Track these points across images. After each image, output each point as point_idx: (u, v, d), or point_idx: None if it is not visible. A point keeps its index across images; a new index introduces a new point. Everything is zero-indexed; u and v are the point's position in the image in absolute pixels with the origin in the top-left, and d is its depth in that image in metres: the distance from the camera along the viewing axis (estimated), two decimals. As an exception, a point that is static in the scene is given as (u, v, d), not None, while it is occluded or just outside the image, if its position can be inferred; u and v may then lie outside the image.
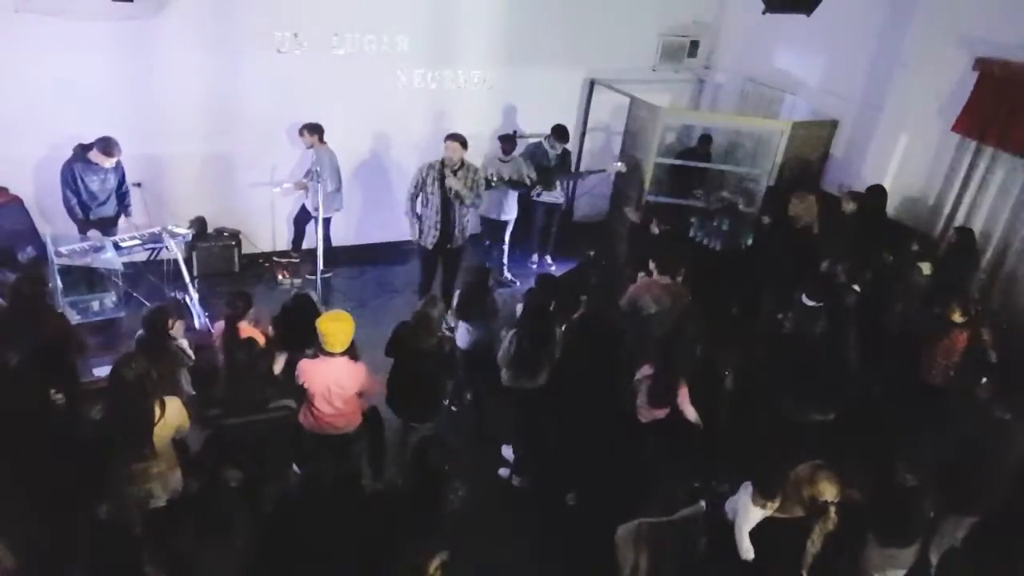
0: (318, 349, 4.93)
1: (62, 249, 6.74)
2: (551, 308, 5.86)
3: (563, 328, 5.99)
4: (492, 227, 8.73)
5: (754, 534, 4.16)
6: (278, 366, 5.35)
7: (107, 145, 6.79)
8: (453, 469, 3.90)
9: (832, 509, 3.98)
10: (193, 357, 5.29)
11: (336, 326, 4.87)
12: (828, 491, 4.01)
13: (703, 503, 4.62)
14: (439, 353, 5.52)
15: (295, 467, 5.39)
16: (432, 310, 5.44)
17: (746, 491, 4.18)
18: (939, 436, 5.29)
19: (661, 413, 5.36)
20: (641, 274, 6.59)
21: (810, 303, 5.98)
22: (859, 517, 4.26)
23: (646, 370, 5.38)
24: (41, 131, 7.22)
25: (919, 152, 7.73)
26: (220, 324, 5.49)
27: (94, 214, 7.04)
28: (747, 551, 4.15)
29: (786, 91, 9.30)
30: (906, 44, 7.71)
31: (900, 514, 4.28)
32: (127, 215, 7.27)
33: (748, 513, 4.13)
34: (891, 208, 7.54)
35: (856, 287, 6.41)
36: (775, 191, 8.22)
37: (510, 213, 8.66)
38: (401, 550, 3.47)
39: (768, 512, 4.13)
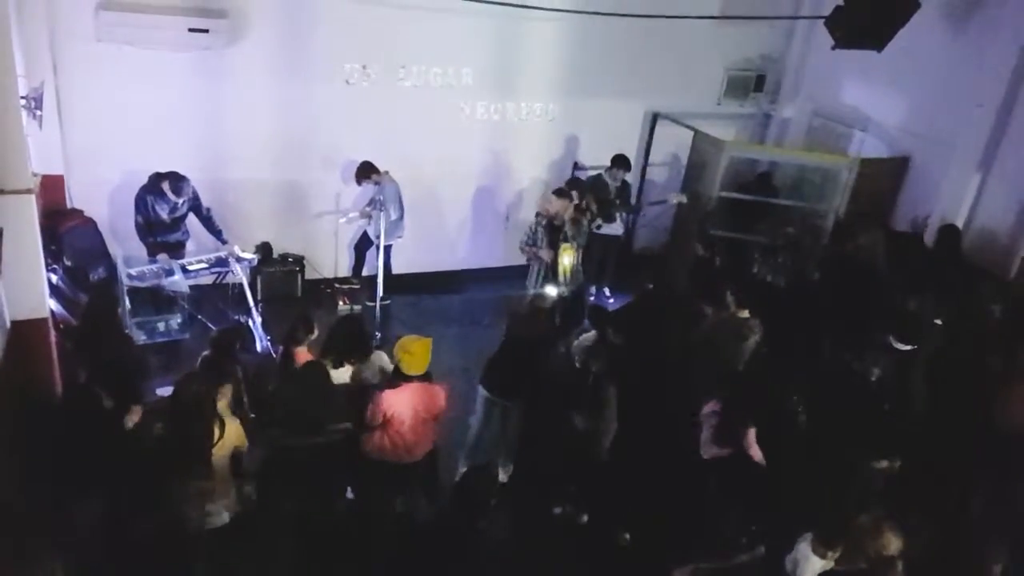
0: (393, 375, 4.95)
1: (132, 271, 6.94)
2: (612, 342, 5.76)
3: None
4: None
5: None
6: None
7: (176, 184, 7.07)
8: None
9: (899, 564, 3.81)
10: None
11: (417, 348, 4.91)
12: (893, 544, 3.85)
13: (762, 549, 4.46)
14: (542, 341, 5.94)
15: (349, 492, 5.40)
16: (542, 303, 6.18)
17: (806, 541, 4.06)
18: (1010, 486, 5.02)
19: (725, 451, 5.22)
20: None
21: (902, 347, 5.70)
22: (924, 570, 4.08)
23: (712, 406, 5.25)
24: (116, 157, 7.48)
25: (993, 191, 7.48)
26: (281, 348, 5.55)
27: (161, 239, 7.27)
28: None
29: (855, 127, 9.11)
30: (981, 82, 7.48)
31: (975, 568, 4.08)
32: (223, 241, 7.47)
33: (808, 563, 4.00)
34: (963, 248, 7.29)
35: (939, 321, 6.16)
36: (842, 226, 8.02)
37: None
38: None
39: (829, 563, 3.98)
